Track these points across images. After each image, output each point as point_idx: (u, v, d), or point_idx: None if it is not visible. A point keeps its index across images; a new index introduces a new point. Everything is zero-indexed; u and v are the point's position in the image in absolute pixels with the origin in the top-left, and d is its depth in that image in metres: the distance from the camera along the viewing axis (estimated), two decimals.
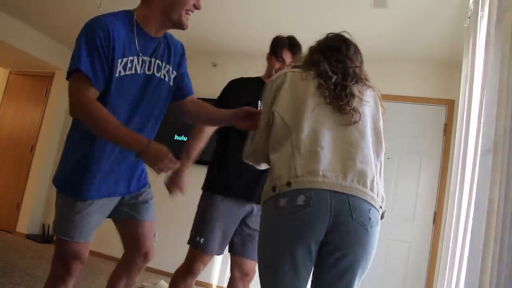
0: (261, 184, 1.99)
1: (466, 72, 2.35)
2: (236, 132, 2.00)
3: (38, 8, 4.06)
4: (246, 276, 2.06)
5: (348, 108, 1.34)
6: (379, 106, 1.44)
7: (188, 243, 2.01)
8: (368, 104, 1.39)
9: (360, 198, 1.21)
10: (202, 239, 1.94)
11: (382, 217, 1.31)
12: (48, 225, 4.92)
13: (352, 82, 1.40)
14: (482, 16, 1.95)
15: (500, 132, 1.22)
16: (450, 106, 3.62)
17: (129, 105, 1.55)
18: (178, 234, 4.16)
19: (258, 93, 2.10)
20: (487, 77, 1.52)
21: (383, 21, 3.12)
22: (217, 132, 2.13)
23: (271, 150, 1.35)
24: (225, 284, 3.90)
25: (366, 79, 1.46)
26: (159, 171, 1.41)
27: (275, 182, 1.25)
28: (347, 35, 1.51)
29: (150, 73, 1.57)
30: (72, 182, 1.57)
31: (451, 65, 3.53)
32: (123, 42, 1.47)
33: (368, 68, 1.53)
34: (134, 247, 1.73)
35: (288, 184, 1.21)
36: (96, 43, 1.40)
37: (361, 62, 1.51)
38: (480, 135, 1.54)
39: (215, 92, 3.81)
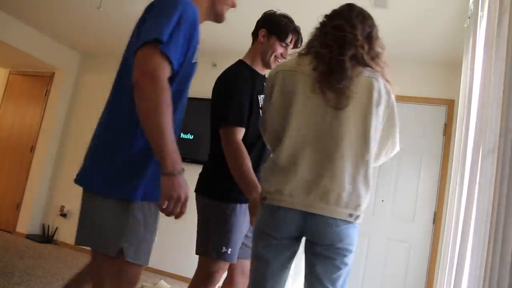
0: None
1: (466, 72, 2.35)
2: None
3: (38, 8, 4.06)
4: (247, 278, 2.03)
5: (339, 86, 1.35)
6: (373, 94, 1.38)
7: (208, 255, 1.79)
8: (356, 98, 1.37)
9: (319, 214, 1.35)
10: (230, 250, 1.78)
11: (356, 218, 1.38)
12: (48, 225, 4.92)
13: (350, 52, 1.37)
14: (482, 16, 1.95)
15: (500, 132, 1.22)
16: (450, 106, 3.62)
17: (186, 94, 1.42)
18: (178, 234, 4.17)
19: (256, 84, 1.87)
20: (487, 77, 1.52)
21: (383, 21, 3.10)
22: (215, 138, 1.85)
23: (272, 151, 1.53)
24: None
25: (364, 56, 1.40)
26: (168, 207, 1.17)
27: (260, 192, 1.49)
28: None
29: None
30: (154, 180, 1.24)
31: (451, 65, 3.53)
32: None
33: None
34: None
35: (264, 198, 1.45)
36: (186, 23, 1.25)
37: (368, 32, 1.45)
38: (480, 135, 1.54)
39: None
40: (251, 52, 1.97)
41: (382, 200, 3.69)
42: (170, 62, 1.21)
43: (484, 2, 1.94)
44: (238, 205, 1.81)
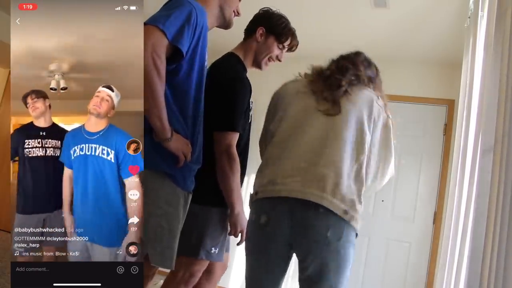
0: None
1: (466, 72, 2.35)
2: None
3: None
4: (210, 276, 1.97)
5: (331, 97, 1.41)
6: (373, 110, 1.42)
7: (199, 256, 1.72)
8: (355, 105, 1.41)
9: (315, 202, 1.27)
10: (217, 249, 1.74)
11: (351, 219, 1.31)
12: None
13: (349, 77, 1.44)
14: (482, 16, 1.95)
15: (500, 132, 1.22)
16: (450, 106, 3.62)
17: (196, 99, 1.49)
18: None
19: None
20: (487, 77, 1.52)
21: (383, 22, 3.12)
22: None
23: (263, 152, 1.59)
24: (228, 284, 3.90)
25: (370, 81, 1.49)
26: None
27: (252, 191, 1.46)
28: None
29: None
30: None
31: (451, 65, 3.53)
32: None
33: None
34: None
35: (256, 193, 1.42)
36: (194, 23, 1.35)
37: (370, 76, 1.52)
38: (480, 135, 1.54)
39: None
40: (243, 47, 1.86)
41: (382, 200, 3.69)
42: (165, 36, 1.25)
43: (484, 2, 1.94)
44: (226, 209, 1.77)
